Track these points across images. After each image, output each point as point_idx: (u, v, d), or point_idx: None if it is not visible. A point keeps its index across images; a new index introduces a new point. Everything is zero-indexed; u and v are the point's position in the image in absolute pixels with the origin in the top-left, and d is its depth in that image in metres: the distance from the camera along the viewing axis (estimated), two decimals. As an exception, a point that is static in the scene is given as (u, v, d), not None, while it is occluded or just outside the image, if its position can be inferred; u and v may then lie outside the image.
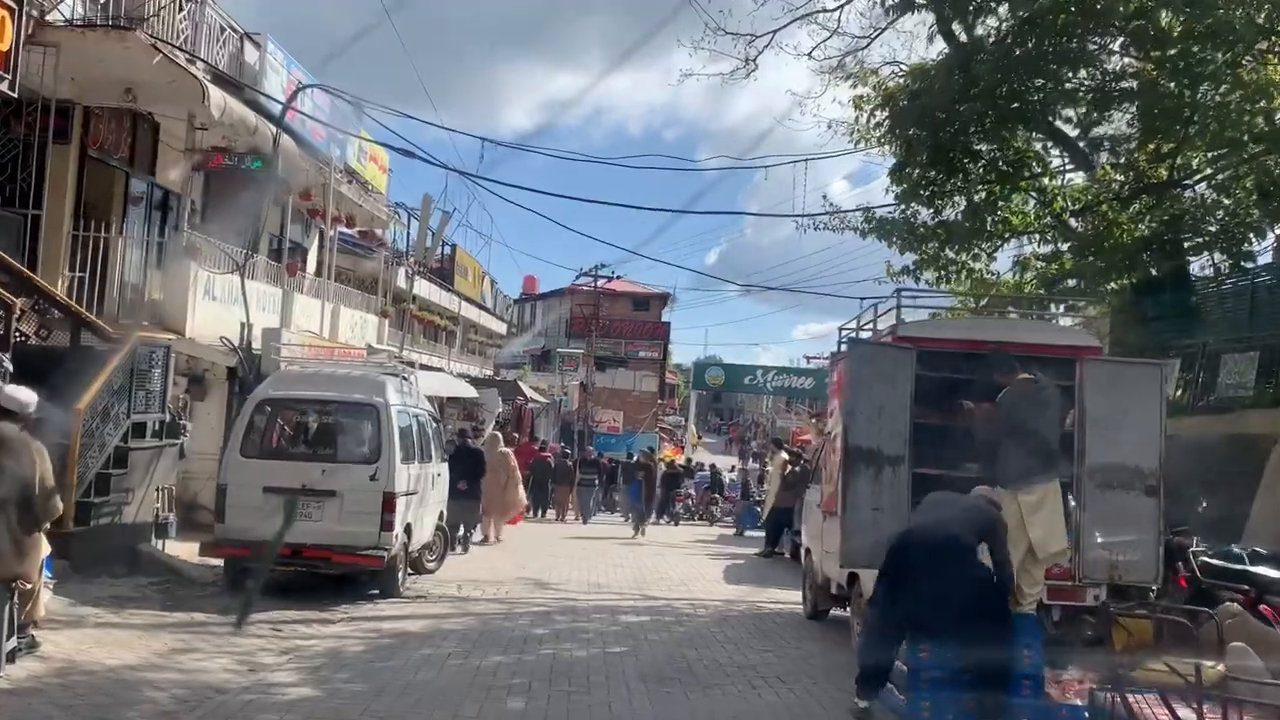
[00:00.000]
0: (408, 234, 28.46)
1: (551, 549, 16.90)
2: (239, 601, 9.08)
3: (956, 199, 12.18)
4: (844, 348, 10.28)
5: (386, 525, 10.02)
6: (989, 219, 12.15)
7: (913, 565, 6.64)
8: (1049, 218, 11.93)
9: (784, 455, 20.37)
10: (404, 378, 11.53)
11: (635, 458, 26.59)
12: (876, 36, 13.36)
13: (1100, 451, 7.87)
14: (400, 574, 10.67)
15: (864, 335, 9.96)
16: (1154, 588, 8.04)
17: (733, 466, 42.00)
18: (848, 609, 9.76)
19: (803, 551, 11.39)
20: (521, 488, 20.06)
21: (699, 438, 59.82)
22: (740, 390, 55.33)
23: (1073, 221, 12.74)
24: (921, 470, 8.08)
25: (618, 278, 48.08)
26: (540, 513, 24.41)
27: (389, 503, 10.02)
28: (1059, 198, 11.49)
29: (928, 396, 8.16)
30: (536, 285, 61.44)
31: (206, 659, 7.41)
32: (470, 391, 26.50)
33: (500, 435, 20.14)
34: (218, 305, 15.80)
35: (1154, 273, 12.47)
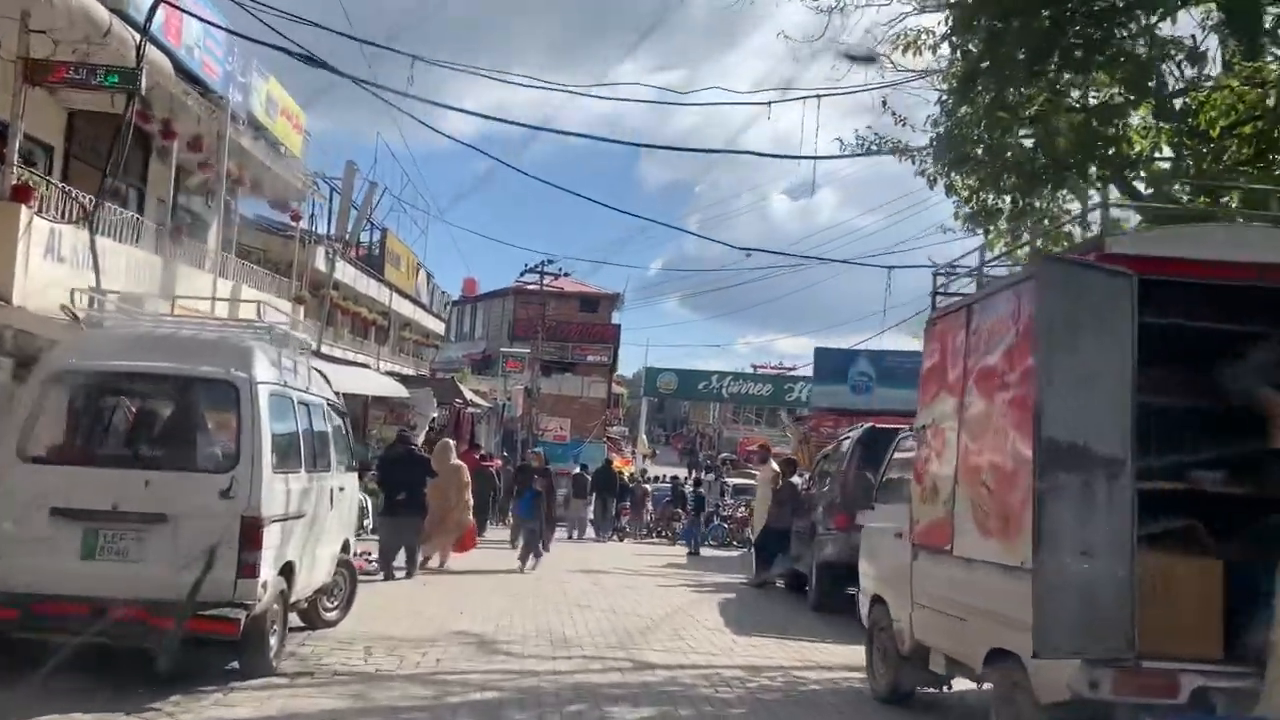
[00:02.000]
0: (329, 209, 24.72)
1: (498, 584, 13.33)
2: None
3: (1055, 121, 8.93)
4: (936, 306, 7.00)
5: (248, 568, 6.42)
6: (1099, 145, 8.94)
7: None
8: (1185, 136, 8.70)
9: (774, 466, 17.02)
10: (294, 346, 7.93)
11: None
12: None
13: None
14: (273, 639, 7.06)
15: (985, 276, 6.65)
16: None
17: (693, 478, 38.52)
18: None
19: (863, 602, 7.97)
20: (472, 508, 16.40)
21: (651, 450, 56.44)
22: (694, 397, 52.09)
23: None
24: (1151, 484, 4.75)
25: (565, 275, 44.57)
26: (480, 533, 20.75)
27: (252, 532, 6.43)
28: (1205, 107, 8.29)
29: (1158, 357, 4.83)
30: (477, 288, 57.66)
31: None
32: (400, 391, 22.77)
33: (452, 443, 16.49)
34: (66, 269, 12.09)
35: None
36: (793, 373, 50.03)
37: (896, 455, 7.94)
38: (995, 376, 5.50)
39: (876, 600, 7.49)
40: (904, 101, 12.21)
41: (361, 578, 12.00)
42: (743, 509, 28.92)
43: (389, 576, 13.16)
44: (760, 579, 15.49)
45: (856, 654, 9.14)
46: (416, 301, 35.80)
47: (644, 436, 52.12)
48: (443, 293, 40.75)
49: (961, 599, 5.86)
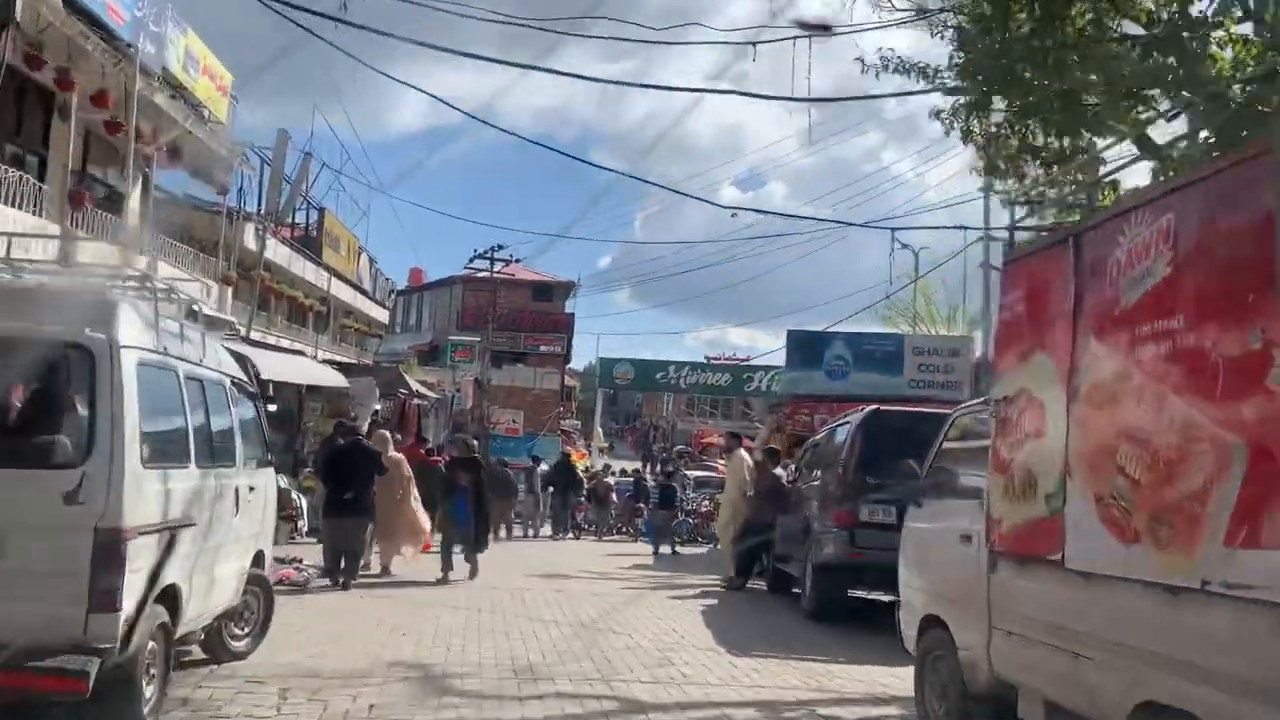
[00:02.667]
0: (260, 183, 22.73)
1: (446, 595, 11.63)
2: None
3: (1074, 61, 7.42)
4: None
5: (104, 598, 4.70)
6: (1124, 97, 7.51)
7: None
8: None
9: (744, 457, 15.50)
10: (182, 307, 6.18)
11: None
12: None
13: None
14: (150, 688, 5.33)
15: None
16: None
17: (661, 471, 36.84)
18: None
19: (905, 621, 6.41)
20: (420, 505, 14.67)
21: (608, 443, 54.85)
22: (651, 388, 50.51)
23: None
24: None
25: (516, 261, 42.72)
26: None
27: (110, 549, 4.72)
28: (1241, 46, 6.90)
29: None
30: (424, 279, 55.52)
31: None
32: (338, 380, 20.90)
33: (388, 435, 14.70)
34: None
35: None
36: (750, 362, 48.80)
37: (950, 442, 6.36)
38: (1147, 319, 3.94)
39: (931, 621, 5.92)
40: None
41: (287, 589, 10.35)
42: (706, 503, 27.46)
43: (336, 584, 11.52)
44: (740, 581, 13.97)
45: (878, 677, 7.65)
46: (358, 288, 33.82)
47: (599, 429, 50.45)
48: (386, 279, 38.72)
49: (1081, 628, 4.33)
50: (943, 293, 28.86)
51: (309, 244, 28.79)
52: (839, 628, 10.18)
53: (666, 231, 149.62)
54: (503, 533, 23.78)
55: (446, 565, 12.82)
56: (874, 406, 11.47)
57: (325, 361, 22.73)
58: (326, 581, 11.73)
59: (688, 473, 38.52)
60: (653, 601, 12.05)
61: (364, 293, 34.70)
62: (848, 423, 11.33)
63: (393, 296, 39.94)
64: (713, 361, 50.12)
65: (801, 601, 11.39)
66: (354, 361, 27.24)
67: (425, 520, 13.75)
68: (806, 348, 21.41)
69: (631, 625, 9.83)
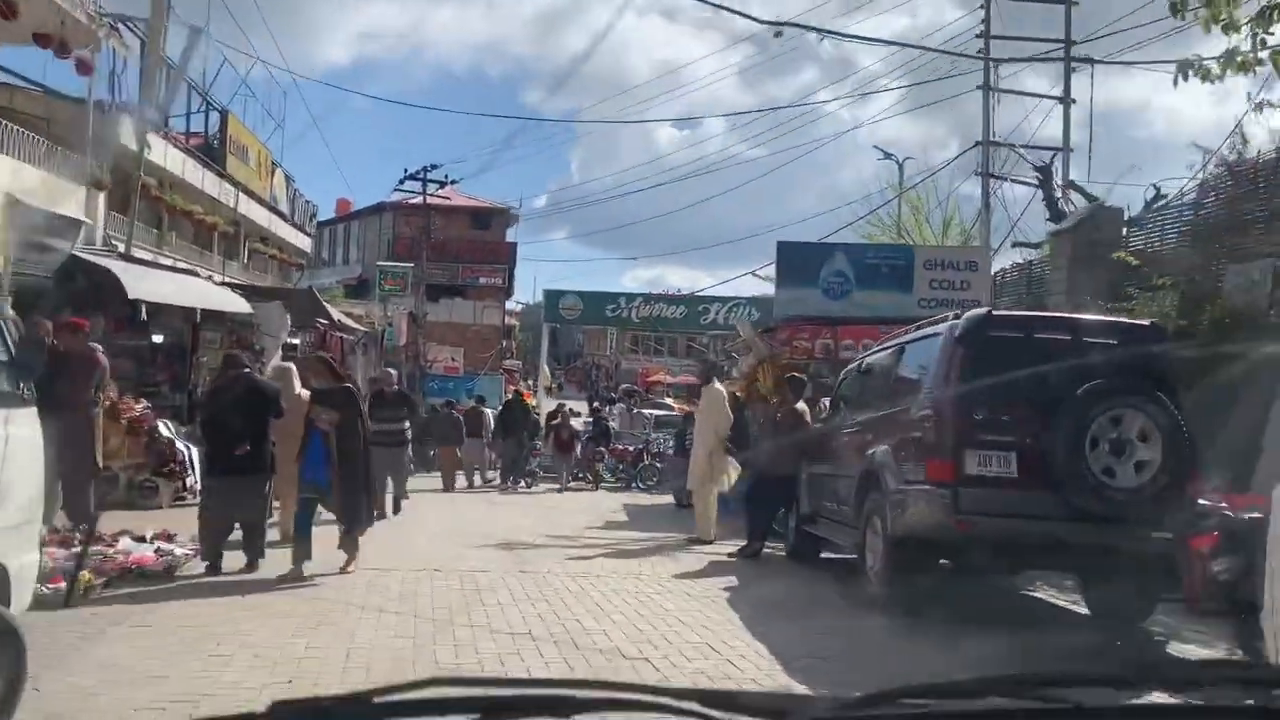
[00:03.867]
0: (140, 70, 18.68)
1: (370, 586, 8.27)
2: None
3: None
4: None
5: None
6: None
7: None
8: None
9: (721, 390, 12.38)
10: None
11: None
12: None
13: None
14: None
15: None
16: None
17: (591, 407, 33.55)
18: None
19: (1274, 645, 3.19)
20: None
21: (557, 383, 51.55)
22: (601, 322, 47.16)
23: None
24: None
25: (452, 183, 38.83)
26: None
27: None
28: None
29: None
30: (352, 209, 51.13)
31: None
32: (239, 305, 17.24)
33: (293, 367, 11.10)
34: None
35: None
36: (707, 293, 45.49)
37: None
38: None
39: None
40: None
41: (136, 588, 6.97)
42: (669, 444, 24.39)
43: (214, 569, 8.25)
44: (757, 547, 10.86)
45: None
46: (273, 209, 29.80)
47: (545, 368, 46.82)
48: (307, 202, 34.60)
49: None
50: (934, 202, 25.84)
51: (212, 155, 24.78)
52: (935, 629, 7.05)
53: (606, 166, 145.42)
54: (461, 481, 20.59)
55: (299, 552, 8.36)
56: (984, 310, 8.29)
57: (225, 284, 18.96)
58: (204, 568, 8.40)
59: (645, 411, 35.55)
60: (661, 588, 8.80)
61: (280, 214, 30.67)
62: (931, 335, 8.09)
63: (313, 222, 35.77)
64: (667, 294, 46.69)
65: (868, 580, 8.22)
66: (258, 284, 23.37)
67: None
68: (800, 263, 18.17)
69: (651, 638, 6.61)
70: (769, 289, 50.81)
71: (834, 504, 9.50)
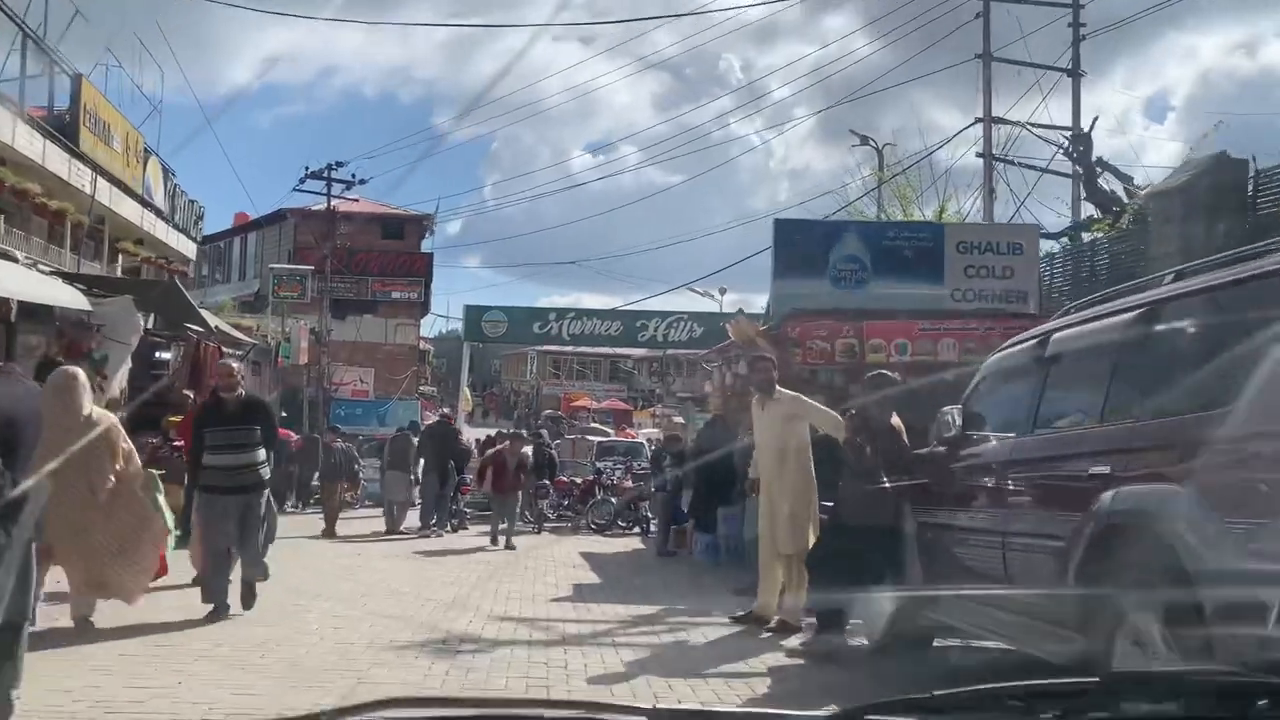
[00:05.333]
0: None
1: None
2: None
3: None
4: None
5: None
6: None
7: None
8: None
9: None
10: None
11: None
12: None
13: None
14: None
15: None
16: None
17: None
18: None
19: None
20: (160, 499, 7.38)
21: (481, 406, 47.20)
22: (528, 341, 43.23)
23: None
24: None
25: (360, 182, 34.48)
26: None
27: None
28: None
29: None
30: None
31: None
32: (73, 301, 12.88)
33: (79, 374, 6.85)
34: None
35: None
36: (642, 307, 41.52)
37: None
38: None
39: None
40: None
41: None
42: (626, 478, 20.52)
43: None
44: (838, 638, 7.04)
45: None
46: (148, 204, 25.17)
47: (466, 390, 42.47)
48: (192, 202, 29.96)
49: None
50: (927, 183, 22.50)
51: (65, 131, 20.22)
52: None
53: (518, 186, 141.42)
54: (351, 524, 16.40)
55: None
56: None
57: (57, 274, 14.51)
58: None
59: (590, 437, 31.91)
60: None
61: (157, 211, 26.05)
62: (1255, 284, 4.30)
63: (199, 226, 30.96)
64: (602, 309, 42.64)
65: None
66: (102, 274, 18.80)
67: (162, 530, 6.47)
68: (803, 245, 14.49)
69: None
70: (706, 305, 47.03)
71: (993, 577, 5.70)
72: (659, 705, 2.43)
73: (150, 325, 17.32)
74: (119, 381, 12.86)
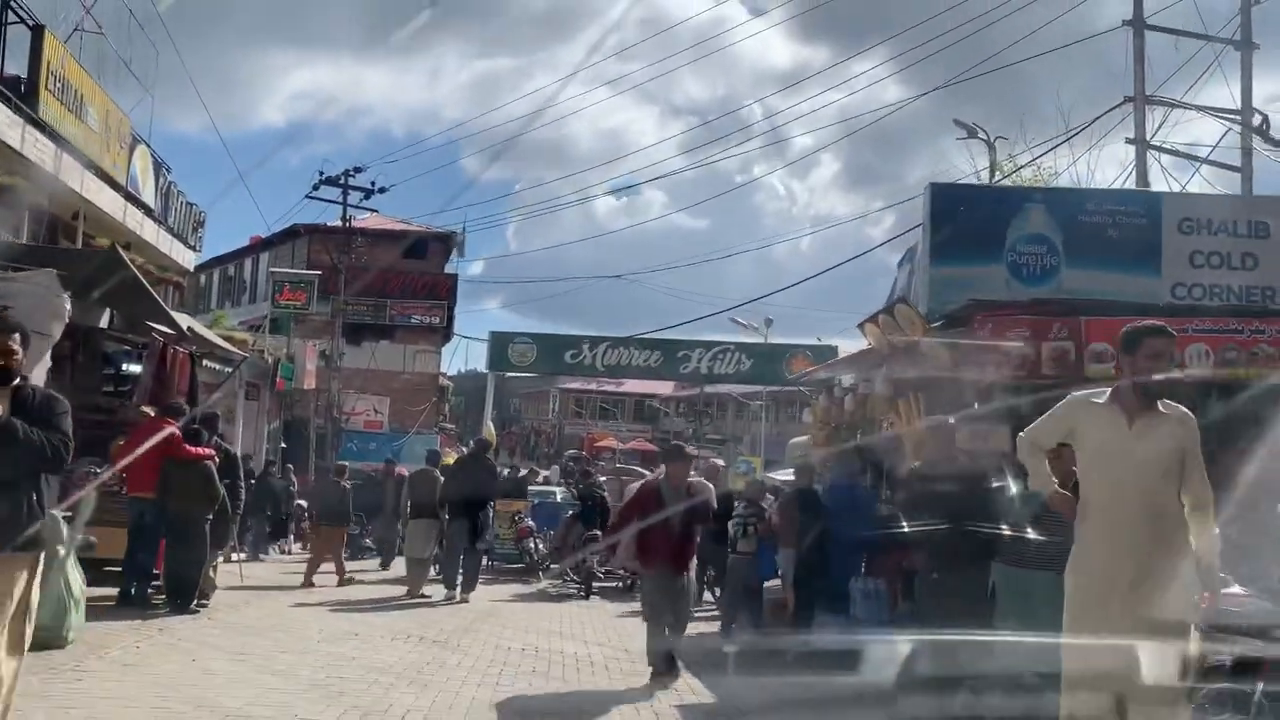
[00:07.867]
0: None
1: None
2: None
3: None
4: None
5: None
6: None
7: None
8: None
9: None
10: None
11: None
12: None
13: None
14: None
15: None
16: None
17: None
18: None
19: None
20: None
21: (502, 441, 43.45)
22: (560, 371, 39.51)
23: None
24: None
25: (380, 191, 31.05)
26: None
27: None
28: None
29: None
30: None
31: None
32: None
33: None
34: None
35: None
36: (683, 338, 37.63)
37: None
38: None
39: None
40: None
41: None
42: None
43: None
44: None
45: None
46: (133, 197, 21.66)
47: (489, 423, 38.71)
48: (189, 204, 26.46)
49: None
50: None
51: (26, 101, 16.77)
52: None
53: (547, 233, 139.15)
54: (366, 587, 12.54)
55: None
56: None
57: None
58: None
59: (627, 479, 27.99)
60: None
61: (145, 207, 22.53)
62: None
63: (198, 234, 27.46)
64: (640, 336, 38.66)
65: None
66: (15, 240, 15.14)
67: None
68: (969, 220, 10.73)
69: None
70: (750, 337, 42.87)
71: None
72: None
73: (107, 325, 13.75)
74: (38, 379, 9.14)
